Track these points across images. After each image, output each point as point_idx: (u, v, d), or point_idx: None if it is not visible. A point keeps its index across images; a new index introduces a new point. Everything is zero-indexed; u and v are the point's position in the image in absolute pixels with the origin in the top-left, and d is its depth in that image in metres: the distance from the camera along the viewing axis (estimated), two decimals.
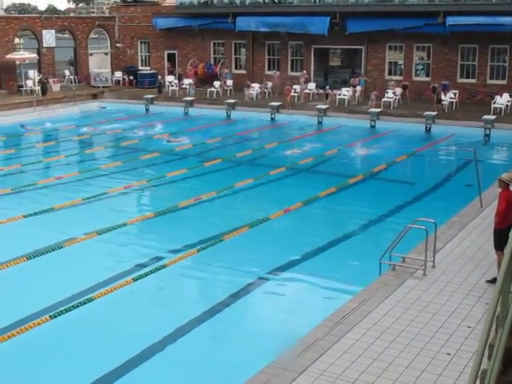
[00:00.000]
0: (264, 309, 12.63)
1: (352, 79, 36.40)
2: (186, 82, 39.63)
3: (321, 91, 36.35)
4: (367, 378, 8.52)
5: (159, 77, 40.35)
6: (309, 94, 37.18)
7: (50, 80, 39.57)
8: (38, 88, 37.08)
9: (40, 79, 37.09)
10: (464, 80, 35.25)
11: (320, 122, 32.88)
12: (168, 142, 27.66)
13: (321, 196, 19.40)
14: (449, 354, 9.14)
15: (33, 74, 38.09)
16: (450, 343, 9.46)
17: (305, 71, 38.06)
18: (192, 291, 13.60)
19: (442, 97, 32.82)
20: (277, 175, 22.14)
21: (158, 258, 14.49)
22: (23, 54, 38.85)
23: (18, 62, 38.50)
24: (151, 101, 37.80)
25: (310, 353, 9.24)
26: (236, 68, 41.56)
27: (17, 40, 40.51)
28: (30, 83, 37.90)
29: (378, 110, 32.50)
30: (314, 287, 13.37)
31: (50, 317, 11.30)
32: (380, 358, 9.04)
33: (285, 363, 8.98)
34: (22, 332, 10.75)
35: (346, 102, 35.16)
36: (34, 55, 39.30)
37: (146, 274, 13.37)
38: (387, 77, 37.09)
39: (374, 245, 15.11)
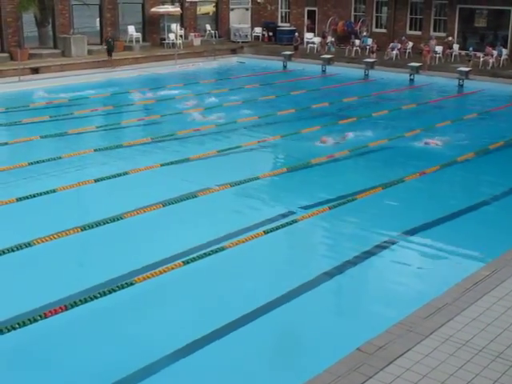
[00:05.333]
0: (392, 269, 12.49)
1: (487, 48, 34.65)
2: (327, 39, 39.31)
3: (464, 53, 35.13)
4: (496, 347, 8.29)
5: (296, 34, 40.20)
6: (451, 55, 36.01)
7: (192, 34, 40.32)
8: (180, 42, 37.89)
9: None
10: None
11: (461, 85, 31.77)
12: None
13: (459, 160, 18.86)
14: None
15: (175, 27, 38.89)
16: None
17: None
18: (321, 248, 13.63)
19: None
20: (413, 136, 21.66)
21: (290, 213, 14.60)
22: (167, 8, 39.64)
23: (161, 16, 39.39)
24: (289, 57, 37.79)
25: (437, 317, 9.09)
26: (376, 27, 40.75)
27: None
28: (172, 36, 38.75)
29: None
30: (445, 252, 13.08)
31: (183, 262, 11.67)
32: (511, 329, 8.78)
33: (411, 325, 8.88)
34: (157, 275, 11.16)
35: (490, 65, 33.81)
36: (178, 9, 40.04)
37: (277, 228, 13.51)
38: None
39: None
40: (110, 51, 33.97)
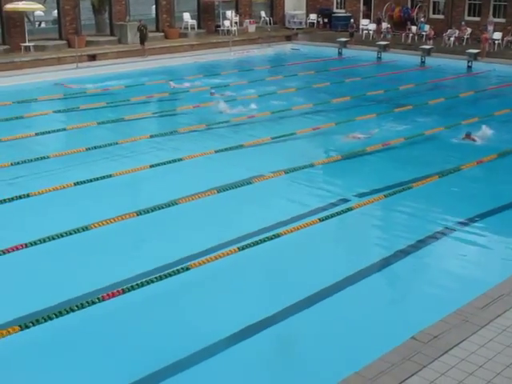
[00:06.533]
0: (447, 259, 12.36)
1: None
2: (383, 25, 38.93)
3: None
4: None
5: (351, 20, 39.86)
6: (510, 43, 35.26)
7: (246, 21, 40.33)
8: (234, 28, 37.94)
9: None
10: None
11: None
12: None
13: None
14: None
15: (230, 14, 38.95)
16: None
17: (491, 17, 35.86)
18: (375, 236, 13.55)
19: None
20: (471, 124, 21.27)
21: (344, 201, 14.55)
22: None
23: (216, 3, 39.45)
24: (344, 44, 37.53)
25: (493, 307, 8.98)
26: (434, 13, 40.10)
27: None
28: (227, 23, 38.81)
29: None
30: (502, 242, 12.92)
31: (238, 248, 11.74)
32: None
33: (466, 315, 8.79)
34: (212, 260, 11.27)
35: None
36: None
37: (332, 216, 13.48)
38: None
39: None
40: (142, 40, 33.61)
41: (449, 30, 36.80)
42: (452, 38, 36.14)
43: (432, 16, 39.70)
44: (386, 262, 11.86)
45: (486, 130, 19.93)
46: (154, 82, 27.89)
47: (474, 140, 19.15)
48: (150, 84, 27.57)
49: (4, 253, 11.44)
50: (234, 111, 22.73)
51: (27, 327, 9.20)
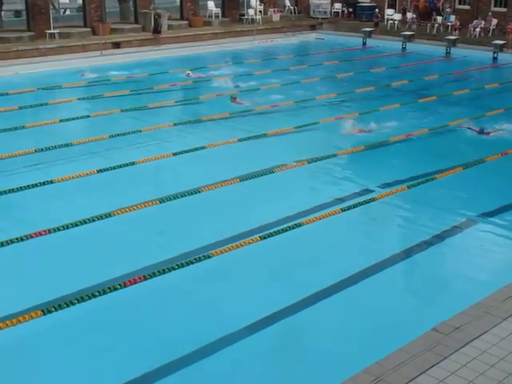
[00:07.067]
0: (469, 251, 12.31)
1: None
2: (409, 16, 38.65)
3: None
4: None
5: (376, 10, 39.61)
6: None
7: (271, 9, 40.22)
8: (259, 17, 37.84)
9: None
10: None
11: None
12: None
13: None
14: None
15: (254, 3, 38.84)
16: None
17: None
18: (398, 227, 13.53)
19: None
20: (495, 116, 21.12)
21: (367, 191, 14.51)
22: None
23: None
24: (369, 34, 37.29)
25: None
26: (460, 3, 39.72)
27: None
28: (251, 12, 38.73)
29: None
30: None
31: (260, 237, 11.76)
32: None
33: (488, 307, 8.77)
34: (233, 248, 11.30)
35: None
36: None
37: (354, 206, 13.46)
38: None
39: None
40: (155, 28, 33.37)
41: (474, 21, 36.48)
42: (478, 29, 35.82)
43: (458, 6, 39.31)
44: (407, 253, 11.85)
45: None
46: (177, 70, 27.88)
47: (488, 133, 18.93)
48: (173, 72, 27.57)
49: (27, 238, 11.55)
50: (257, 100, 22.69)
51: (49, 312, 9.29)
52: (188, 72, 27.25)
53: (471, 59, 32.18)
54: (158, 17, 33.62)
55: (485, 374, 7.34)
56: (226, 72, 27.88)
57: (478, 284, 10.62)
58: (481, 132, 18.91)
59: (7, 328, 8.92)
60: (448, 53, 33.90)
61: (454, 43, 34.18)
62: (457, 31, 35.99)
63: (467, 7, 38.96)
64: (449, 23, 37.28)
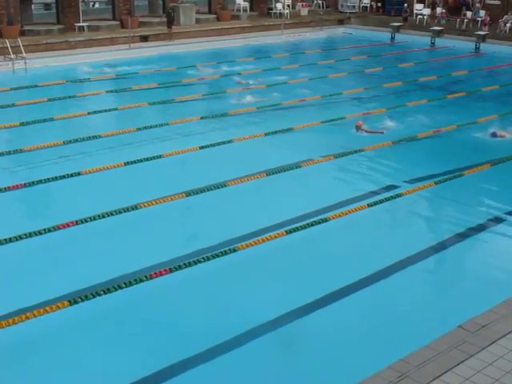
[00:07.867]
0: (497, 248, 12.16)
1: None
2: (438, 10, 38.34)
3: None
4: None
5: (405, 5, 39.34)
6: None
7: (299, 4, 40.12)
8: (287, 11, 37.74)
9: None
10: None
11: None
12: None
13: None
14: None
15: None
16: None
17: None
18: (424, 223, 13.44)
19: None
20: None
21: (394, 187, 14.43)
22: None
23: None
24: (397, 29, 37.05)
25: None
26: None
27: None
28: (279, 6, 38.64)
29: None
30: None
31: (286, 232, 11.75)
32: None
33: None
34: (259, 242, 11.31)
35: None
36: None
37: (380, 202, 13.41)
38: None
39: None
40: (169, 23, 33.02)
41: (505, 16, 36.09)
42: (508, 25, 35.43)
43: (488, 1, 38.94)
44: (434, 249, 11.76)
45: None
46: (204, 63, 27.91)
47: (502, 136, 18.60)
48: (200, 66, 27.58)
49: (55, 229, 11.65)
50: (284, 94, 22.65)
51: (76, 303, 9.36)
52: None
53: (501, 55, 31.87)
54: (172, 11, 33.48)
55: (511, 372, 7.28)
56: (252, 67, 27.84)
57: (506, 282, 10.51)
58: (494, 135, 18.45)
59: (34, 318, 9.01)
60: (477, 48, 33.56)
61: (483, 39, 33.84)
62: (486, 27, 35.63)
63: (497, 2, 38.58)
64: (478, 18, 36.92)
